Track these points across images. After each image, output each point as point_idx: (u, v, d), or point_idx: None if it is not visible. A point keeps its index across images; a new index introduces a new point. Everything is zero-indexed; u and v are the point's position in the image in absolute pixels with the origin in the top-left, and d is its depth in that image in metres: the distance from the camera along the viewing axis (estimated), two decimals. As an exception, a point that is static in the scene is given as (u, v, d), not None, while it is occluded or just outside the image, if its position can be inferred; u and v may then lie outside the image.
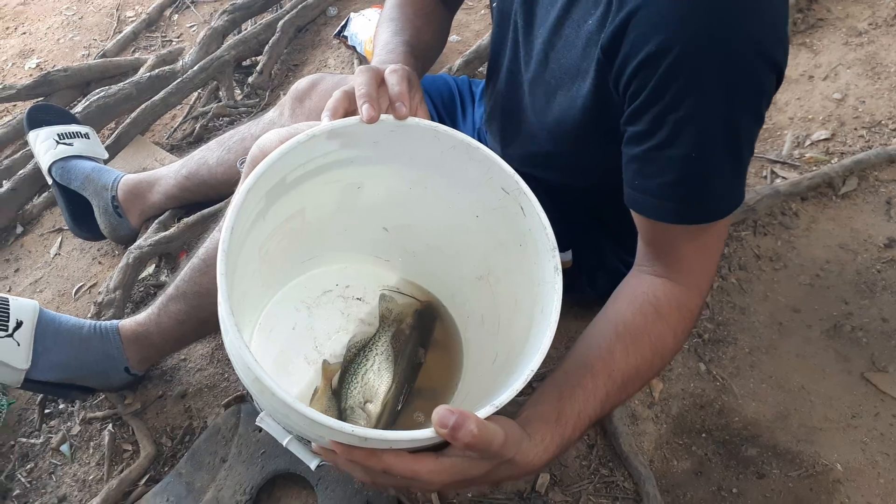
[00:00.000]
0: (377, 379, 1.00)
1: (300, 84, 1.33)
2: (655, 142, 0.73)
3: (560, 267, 0.78)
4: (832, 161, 1.47)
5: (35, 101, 1.95)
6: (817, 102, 1.59)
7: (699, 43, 0.66)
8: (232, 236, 0.76)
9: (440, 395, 1.01)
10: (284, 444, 0.81)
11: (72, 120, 1.68)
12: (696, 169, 0.73)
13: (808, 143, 1.53)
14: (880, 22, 1.74)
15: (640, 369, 0.77)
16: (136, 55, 2.20)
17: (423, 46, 1.04)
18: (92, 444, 1.26)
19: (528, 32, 0.91)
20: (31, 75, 2.21)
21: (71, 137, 1.62)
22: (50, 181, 1.59)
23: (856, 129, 1.52)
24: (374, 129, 0.88)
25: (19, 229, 1.72)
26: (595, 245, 1.13)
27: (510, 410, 0.71)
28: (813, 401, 1.15)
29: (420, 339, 1.05)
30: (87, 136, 1.65)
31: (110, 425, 1.26)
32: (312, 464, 0.80)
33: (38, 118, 1.63)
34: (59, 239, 1.69)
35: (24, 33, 2.49)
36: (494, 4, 1.01)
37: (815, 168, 1.46)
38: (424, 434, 0.63)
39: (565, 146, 0.93)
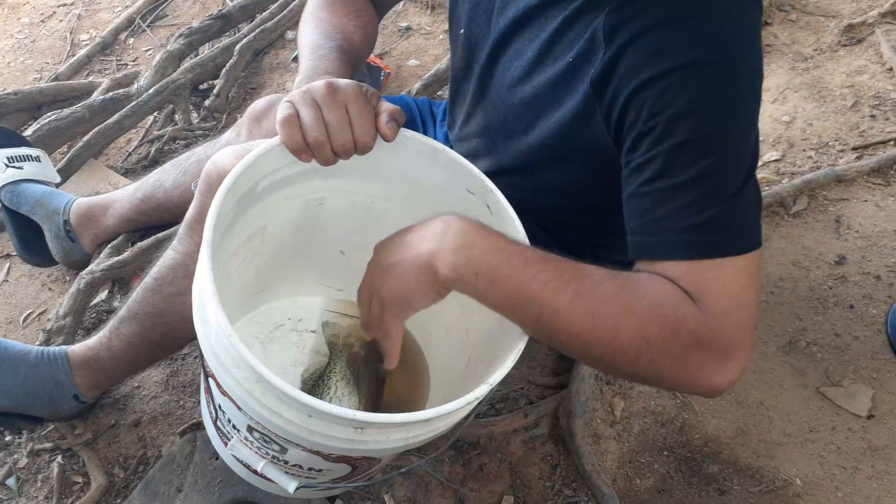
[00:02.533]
0: (344, 404, 0.98)
1: (257, 105, 1.31)
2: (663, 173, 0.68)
3: None
4: (783, 181, 1.51)
5: (-17, 124, 1.89)
6: (767, 125, 1.64)
7: (689, 67, 0.67)
8: (213, 234, 0.76)
9: (410, 403, 1.01)
10: (259, 468, 0.78)
11: (22, 142, 1.64)
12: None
13: (759, 163, 1.57)
14: (825, 48, 1.80)
15: (608, 292, 0.64)
16: (90, 79, 2.16)
17: (354, 52, 1.00)
18: (40, 476, 1.21)
19: (502, 62, 0.92)
20: (-21, 98, 2.15)
21: (21, 160, 1.57)
22: (-2, 205, 1.54)
23: (804, 150, 1.57)
24: None
25: (-35, 256, 1.67)
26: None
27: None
28: (771, 416, 1.17)
29: (377, 355, 1.04)
30: (38, 159, 1.61)
31: (59, 457, 1.21)
32: (290, 486, 0.78)
33: None
34: (8, 265, 1.63)
35: (-27, 56, 2.43)
36: (462, 31, 1.01)
37: (767, 188, 1.50)
38: (426, 415, 0.65)
39: (541, 168, 0.95)
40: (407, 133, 0.88)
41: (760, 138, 1.60)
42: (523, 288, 0.64)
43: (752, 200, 0.67)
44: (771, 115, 1.65)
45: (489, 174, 1.01)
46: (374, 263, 0.74)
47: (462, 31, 1.01)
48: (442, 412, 0.66)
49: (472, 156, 1.10)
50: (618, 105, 0.72)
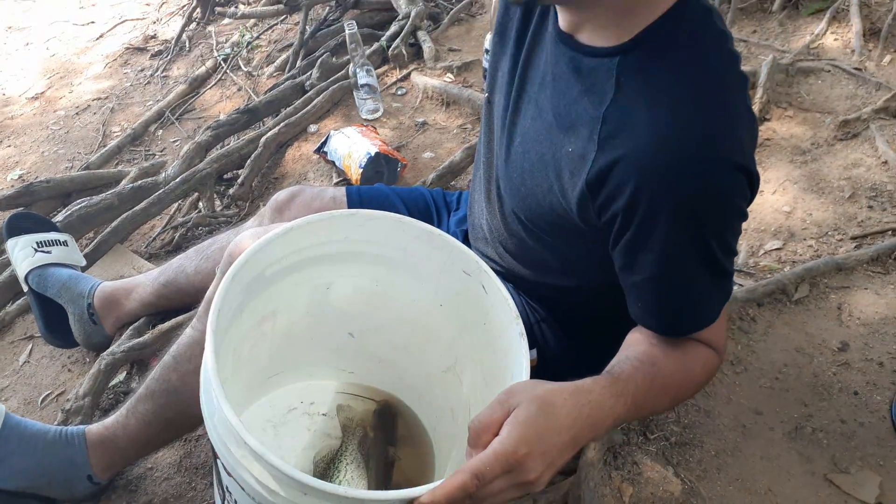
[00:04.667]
0: (354, 487, 1.00)
1: (280, 195, 1.39)
2: (636, 271, 0.83)
3: (524, 333, 0.84)
4: (784, 269, 1.55)
5: (14, 211, 1.98)
6: (768, 215, 1.69)
7: (665, 187, 0.75)
8: (219, 318, 0.79)
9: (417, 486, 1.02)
10: None
11: (51, 227, 1.71)
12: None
13: (761, 252, 1.61)
14: (822, 142, 1.88)
15: (675, 375, 0.84)
16: (119, 168, 2.27)
17: None
18: (50, 558, 1.21)
19: (508, 137, 0.98)
20: (12, 186, 2.26)
21: (49, 245, 1.64)
22: (26, 288, 1.60)
23: (805, 239, 1.62)
24: (345, 223, 0.95)
25: (-10, 336, 1.72)
26: (562, 347, 1.16)
27: None
28: (779, 503, 1.16)
29: (386, 438, 1.06)
30: (65, 243, 1.67)
31: (71, 538, 1.22)
32: None
33: (17, 226, 1.65)
34: (30, 346, 1.68)
35: (10, 146, 2.57)
36: (483, 112, 1.10)
37: (769, 276, 1.53)
38: (418, 490, 0.67)
39: (535, 242, 1.00)
40: (405, 220, 0.94)
41: (762, 228, 1.66)
42: (631, 416, 0.79)
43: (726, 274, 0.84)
44: (772, 206, 1.71)
45: (499, 255, 1.06)
46: (536, 454, 0.67)
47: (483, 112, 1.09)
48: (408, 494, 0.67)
49: (476, 234, 1.16)
50: (609, 211, 0.81)
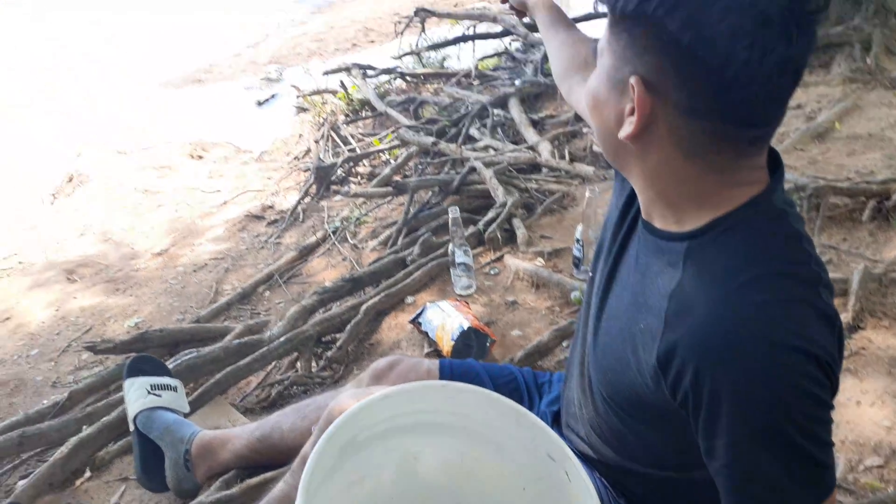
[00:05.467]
0: None
1: (380, 363, 1.47)
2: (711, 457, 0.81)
3: None
4: (889, 489, 1.47)
5: (127, 355, 2.14)
6: (867, 428, 1.64)
7: (722, 369, 0.76)
8: (312, 476, 0.83)
9: None
10: None
11: (165, 372, 1.84)
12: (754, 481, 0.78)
13: (861, 468, 1.55)
14: (922, 353, 1.84)
15: None
16: (226, 323, 2.43)
17: None
18: None
19: (597, 315, 1.03)
20: (128, 332, 2.45)
21: (161, 389, 1.76)
22: (132, 427, 1.69)
23: (909, 457, 1.55)
24: (437, 394, 1.00)
25: (87, 474, 1.80)
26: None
27: None
28: None
29: None
30: (175, 388, 1.79)
31: None
32: None
33: (136, 368, 1.78)
34: (123, 488, 1.75)
35: (132, 296, 2.81)
36: (586, 290, 1.16)
37: (871, 494, 1.46)
38: None
39: (619, 422, 1.00)
40: (494, 395, 0.99)
41: (860, 442, 1.60)
42: None
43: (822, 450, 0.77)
44: (871, 419, 1.66)
45: (588, 435, 1.06)
46: None
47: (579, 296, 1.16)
48: None
49: (570, 411, 1.18)
50: (680, 389, 0.81)
